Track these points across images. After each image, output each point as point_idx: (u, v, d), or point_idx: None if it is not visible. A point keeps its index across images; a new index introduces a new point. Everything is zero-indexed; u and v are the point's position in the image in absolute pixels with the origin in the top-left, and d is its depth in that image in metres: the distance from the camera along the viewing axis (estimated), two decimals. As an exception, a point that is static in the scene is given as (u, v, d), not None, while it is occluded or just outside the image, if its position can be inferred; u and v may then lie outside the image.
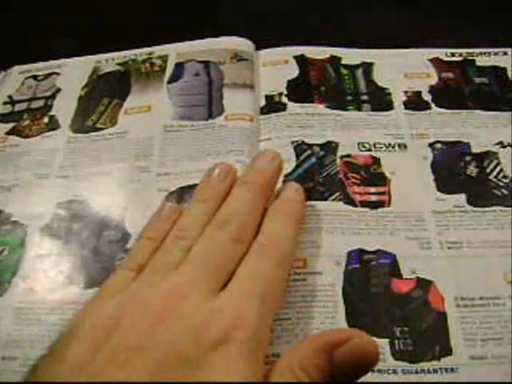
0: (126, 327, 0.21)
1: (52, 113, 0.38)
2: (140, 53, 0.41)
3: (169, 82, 0.38)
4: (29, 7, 0.48)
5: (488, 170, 0.32)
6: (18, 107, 0.39)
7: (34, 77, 0.41)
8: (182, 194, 0.31)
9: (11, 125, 0.37)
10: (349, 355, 0.20)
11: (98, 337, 0.20)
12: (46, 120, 0.37)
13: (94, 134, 0.36)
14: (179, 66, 0.39)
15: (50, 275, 0.29)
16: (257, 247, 0.25)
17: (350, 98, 0.37)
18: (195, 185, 0.29)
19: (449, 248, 0.28)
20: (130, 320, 0.21)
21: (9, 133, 0.37)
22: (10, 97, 0.40)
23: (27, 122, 0.37)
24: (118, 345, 0.20)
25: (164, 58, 0.40)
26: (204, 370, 0.19)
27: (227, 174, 0.28)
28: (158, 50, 0.41)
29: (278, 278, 0.24)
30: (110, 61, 0.41)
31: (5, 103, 0.39)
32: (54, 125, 0.37)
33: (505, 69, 0.38)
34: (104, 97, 0.38)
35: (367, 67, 0.39)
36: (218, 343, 0.19)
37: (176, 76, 0.39)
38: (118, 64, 0.41)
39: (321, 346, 0.20)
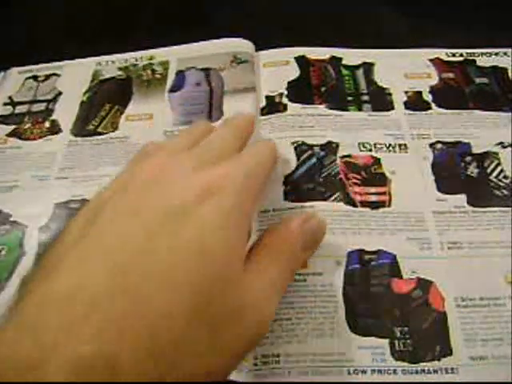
0: (115, 201, 0.22)
1: (53, 117, 0.38)
2: (141, 56, 0.41)
3: (170, 91, 0.38)
4: (28, 7, 0.48)
5: (488, 171, 0.32)
6: (18, 109, 0.39)
7: (35, 77, 0.41)
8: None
9: (12, 127, 0.37)
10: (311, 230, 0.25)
11: (89, 214, 0.22)
12: (47, 124, 0.37)
13: (94, 137, 0.36)
14: (180, 75, 0.39)
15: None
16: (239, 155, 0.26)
17: (350, 98, 0.37)
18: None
19: (449, 248, 0.28)
20: (118, 194, 0.22)
21: (9, 135, 0.37)
22: (10, 97, 0.40)
23: (28, 126, 0.37)
24: (110, 213, 0.21)
25: (165, 66, 0.40)
26: (193, 219, 0.20)
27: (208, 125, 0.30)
28: (159, 54, 0.41)
29: (256, 170, 0.25)
30: (110, 64, 0.41)
31: (5, 104, 0.39)
32: (55, 129, 0.37)
33: (505, 69, 0.38)
34: (105, 103, 0.38)
35: (368, 67, 0.39)
36: (204, 197, 0.21)
37: (177, 85, 0.39)
38: (120, 68, 0.41)
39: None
